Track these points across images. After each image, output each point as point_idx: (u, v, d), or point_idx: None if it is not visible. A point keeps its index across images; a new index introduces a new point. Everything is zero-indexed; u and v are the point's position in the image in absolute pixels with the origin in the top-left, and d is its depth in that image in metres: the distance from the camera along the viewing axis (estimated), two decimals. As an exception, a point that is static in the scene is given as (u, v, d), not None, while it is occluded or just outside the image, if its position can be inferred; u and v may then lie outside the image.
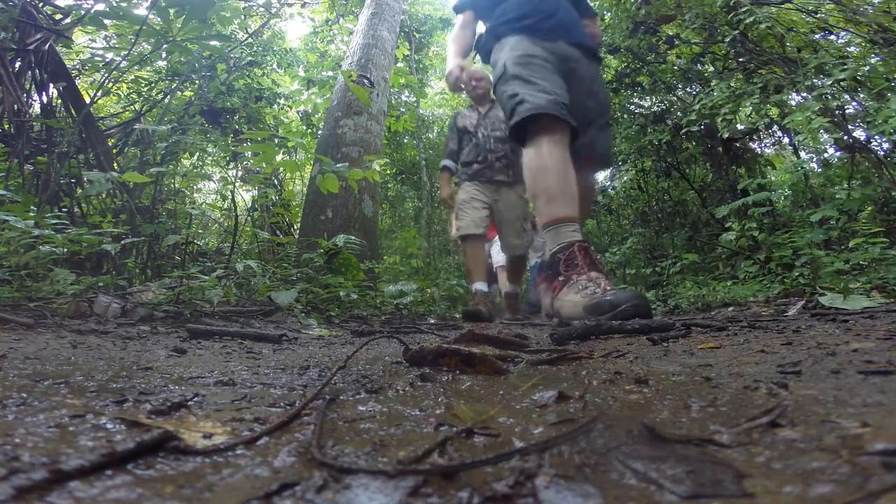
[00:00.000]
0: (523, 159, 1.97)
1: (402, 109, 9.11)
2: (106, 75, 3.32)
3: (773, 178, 6.09)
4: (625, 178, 7.10)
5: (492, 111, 3.70)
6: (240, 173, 5.39)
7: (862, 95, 3.94)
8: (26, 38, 2.78)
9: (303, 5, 8.12)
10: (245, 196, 5.87)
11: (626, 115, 6.65)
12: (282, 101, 6.54)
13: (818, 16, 4.40)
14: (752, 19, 3.95)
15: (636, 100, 6.72)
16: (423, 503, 0.28)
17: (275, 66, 6.76)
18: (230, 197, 4.08)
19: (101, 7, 2.53)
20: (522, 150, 1.99)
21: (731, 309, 2.62)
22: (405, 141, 10.19)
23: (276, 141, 2.77)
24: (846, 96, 3.99)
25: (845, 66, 3.23)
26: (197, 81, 5.15)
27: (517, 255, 3.76)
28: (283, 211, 5.39)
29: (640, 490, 0.29)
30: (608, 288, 1.58)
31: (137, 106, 5.01)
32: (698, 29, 4.79)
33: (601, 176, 8.54)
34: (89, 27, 3.08)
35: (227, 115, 5.57)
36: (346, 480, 0.31)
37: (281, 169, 5.32)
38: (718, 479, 0.29)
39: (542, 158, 1.86)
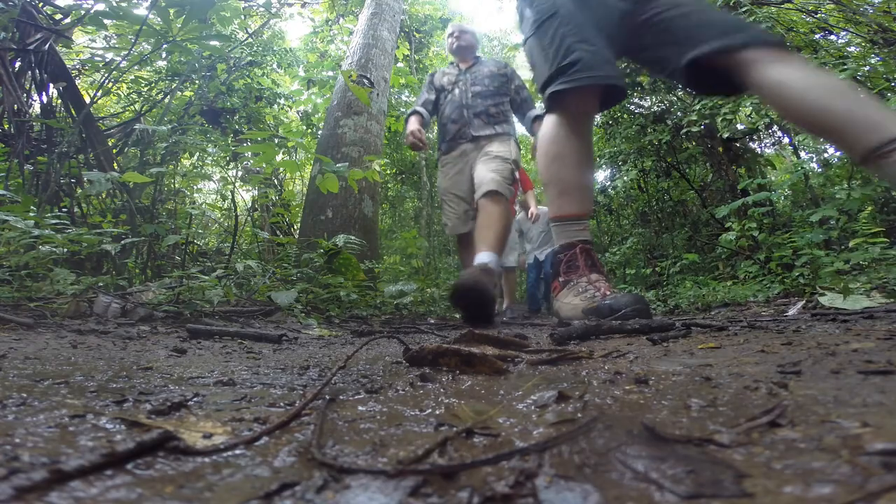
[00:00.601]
0: (541, 129, 1.75)
1: (402, 109, 9.12)
2: (106, 75, 3.32)
3: (773, 178, 6.09)
4: (625, 178, 7.10)
5: (475, 67, 3.33)
6: (240, 173, 5.39)
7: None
8: (26, 38, 2.78)
9: (303, 5, 8.12)
10: (245, 196, 5.87)
11: (626, 115, 6.65)
12: (282, 101, 6.55)
13: (818, 16, 4.40)
14: (752, 19, 3.95)
15: (636, 100, 6.73)
16: (423, 503, 0.28)
17: (275, 66, 6.76)
18: (230, 197, 4.08)
19: (101, 7, 2.53)
20: (547, 114, 1.73)
21: (729, 307, 2.62)
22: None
23: (276, 141, 2.77)
24: (846, 96, 3.98)
25: (845, 66, 3.23)
26: (197, 81, 5.15)
27: (489, 190, 2.71)
28: (283, 211, 5.39)
29: (640, 490, 0.29)
30: (608, 292, 1.56)
31: (137, 106, 5.02)
32: (698, 29, 4.78)
33: (601, 176, 8.54)
34: (89, 27, 3.08)
35: (227, 115, 5.58)
36: (346, 480, 0.31)
37: (281, 169, 5.32)
38: (718, 479, 0.29)
39: (560, 144, 1.67)
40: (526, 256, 6.43)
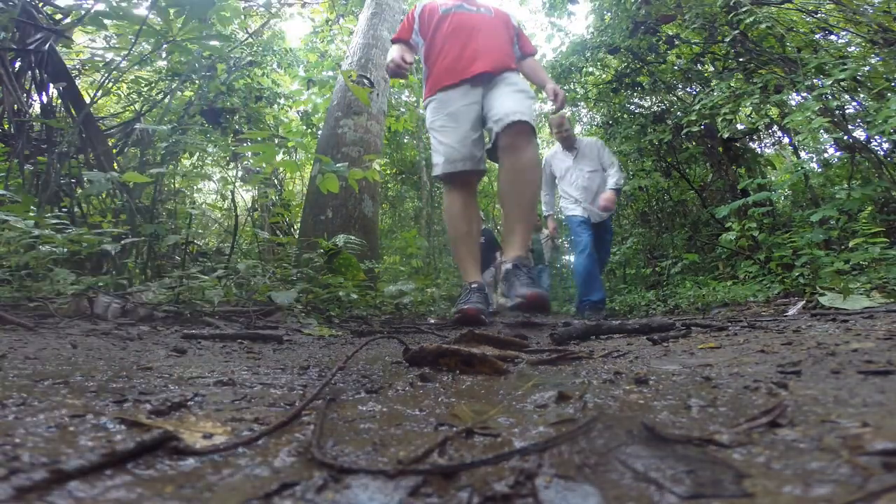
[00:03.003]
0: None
1: (402, 109, 9.10)
2: (106, 75, 3.31)
3: (773, 178, 6.08)
4: (631, 177, 7.08)
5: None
6: (240, 173, 5.39)
7: (862, 95, 3.94)
8: (26, 38, 2.78)
9: (303, 5, 8.12)
10: (245, 196, 5.87)
11: (626, 115, 6.65)
12: (282, 101, 6.54)
13: (818, 16, 4.40)
14: (752, 19, 3.95)
15: (636, 100, 6.73)
16: (423, 503, 0.28)
17: (275, 66, 6.76)
18: (230, 197, 4.07)
19: (101, 7, 2.53)
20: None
21: (729, 307, 2.62)
22: (405, 141, 10.19)
23: (276, 141, 2.77)
24: (846, 96, 3.99)
25: (845, 66, 3.22)
26: (197, 81, 5.15)
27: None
28: (283, 211, 5.39)
29: (640, 490, 0.29)
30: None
31: (137, 106, 5.01)
32: (698, 29, 4.79)
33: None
34: (89, 27, 3.07)
35: (227, 115, 5.57)
36: (346, 480, 0.31)
37: (281, 169, 5.32)
38: (718, 479, 0.29)
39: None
40: (560, 214, 4.46)
